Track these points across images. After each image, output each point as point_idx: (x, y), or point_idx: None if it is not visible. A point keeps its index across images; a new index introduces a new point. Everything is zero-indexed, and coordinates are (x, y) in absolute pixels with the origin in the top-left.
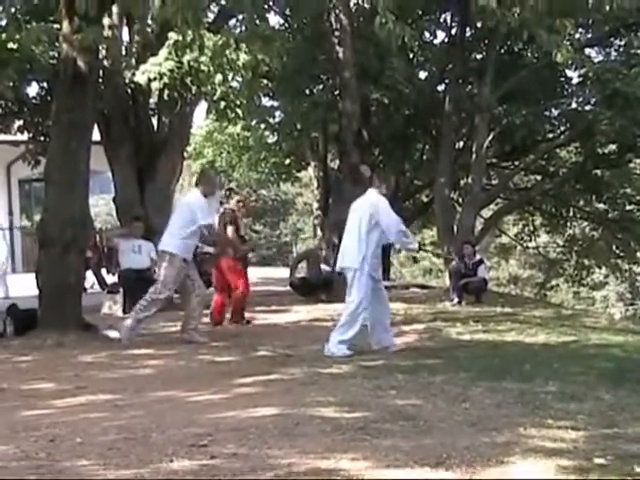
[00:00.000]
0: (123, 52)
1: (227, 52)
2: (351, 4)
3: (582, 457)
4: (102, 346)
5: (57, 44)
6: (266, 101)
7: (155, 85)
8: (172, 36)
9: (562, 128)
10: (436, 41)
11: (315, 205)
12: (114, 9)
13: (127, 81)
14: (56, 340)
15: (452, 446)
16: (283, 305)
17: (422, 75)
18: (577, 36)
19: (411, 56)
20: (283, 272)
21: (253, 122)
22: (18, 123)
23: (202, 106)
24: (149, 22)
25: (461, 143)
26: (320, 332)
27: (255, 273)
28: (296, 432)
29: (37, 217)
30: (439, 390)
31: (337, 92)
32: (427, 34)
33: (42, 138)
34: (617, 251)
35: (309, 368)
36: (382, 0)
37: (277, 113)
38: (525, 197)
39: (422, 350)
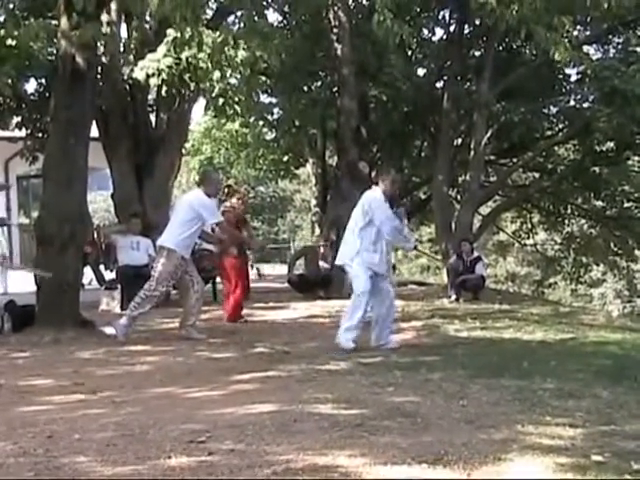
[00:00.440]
0: (121, 49)
1: (225, 49)
2: (349, 1)
3: (580, 454)
4: (100, 342)
5: (55, 40)
6: (264, 98)
7: (153, 81)
8: (170, 33)
9: (560, 125)
10: (434, 38)
11: (313, 202)
12: (112, 6)
13: (125, 77)
14: (53, 336)
15: (450, 443)
16: (281, 302)
17: (420, 72)
18: (575, 33)
19: (409, 53)
20: (281, 269)
21: (251, 119)
22: (16, 119)
23: (200, 103)
24: (147, 19)
25: (459, 140)
26: (318, 329)
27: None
28: (294, 429)
29: (35, 213)
30: (437, 387)
31: (335, 89)
32: (425, 31)
33: (40, 134)
34: (615, 248)
35: (307, 365)
36: None
37: (275, 110)
38: (523, 194)
39: (420, 347)
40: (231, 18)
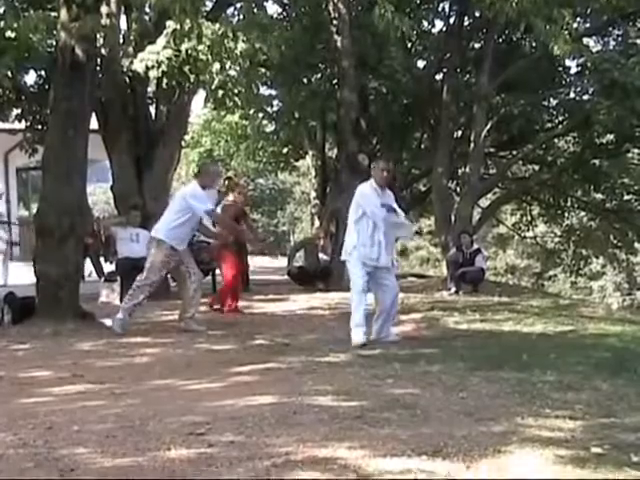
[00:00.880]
0: (121, 40)
1: (225, 41)
2: None
3: (579, 446)
4: (99, 334)
5: (55, 32)
6: (264, 90)
7: (153, 74)
8: (170, 24)
9: (560, 118)
10: (434, 30)
11: (313, 194)
12: None
13: (125, 69)
14: (53, 328)
15: (449, 435)
16: (281, 294)
17: (420, 64)
18: (575, 26)
19: (409, 45)
20: (281, 261)
21: (251, 111)
22: (16, 111)
23: (200, 95)
24: (147, 10)
25: (459, 132)
26: (318, 321)
27: (253, 262)
28: (293, 421)
29: (35, 205)
30: (436, 379)
31: (335, 81)
32: (425, 23)
33: (40, 126)
34: (615, 241)
35: (307, 357)
36: None
37: (275, 102)
38: (523, 187)
39: (420, 339)
40: (230, 10)
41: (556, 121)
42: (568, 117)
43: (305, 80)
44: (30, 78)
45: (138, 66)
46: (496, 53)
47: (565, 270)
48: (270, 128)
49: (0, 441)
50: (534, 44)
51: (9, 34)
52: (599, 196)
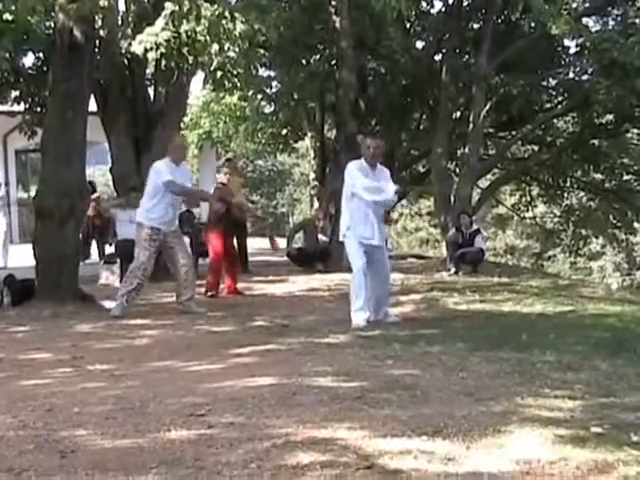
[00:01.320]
0: (119, 22)
1: (224, 22)
2: None
3: (579, 426)
4: (99, 316)
5: (53, 14)
6: (263, 71)
7: (152, 55)
8: (168, 6)
9: (559, 98)
10: (433, 11)
11: (312, 175)
12: None
13: (123, 51)
14: (53, 311)
15: (449, 415)
16: (280, 275)
17: (419, 45)
18: (574, 5)
19: (408, 26)
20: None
21: (250, 92)
22: (14, 94)
23: (199, 76)
24: None
25: (458, 113)
26: (317, 302)
27: (252, 243)
28: (293, 401)
29: (34, 188)
30: (436, 360)
31: (334, 62)
32: (424, 4)
33: (38, 109)
34: (614, 221)
35: (306, 338)
36: None
37: (274, 83)
38: (522, 167)
39: (419, 320)
40: None
41: (555, 101)
42: (567, 97)
43: (304, 61)
44: (28, 60)
45: (137, 48)
46: (495, 33)
47: (564, 250)
48: (269, 109)
49: (0, 423)
50: (533, 24)
51: (7, 16)
52: (598, 176)
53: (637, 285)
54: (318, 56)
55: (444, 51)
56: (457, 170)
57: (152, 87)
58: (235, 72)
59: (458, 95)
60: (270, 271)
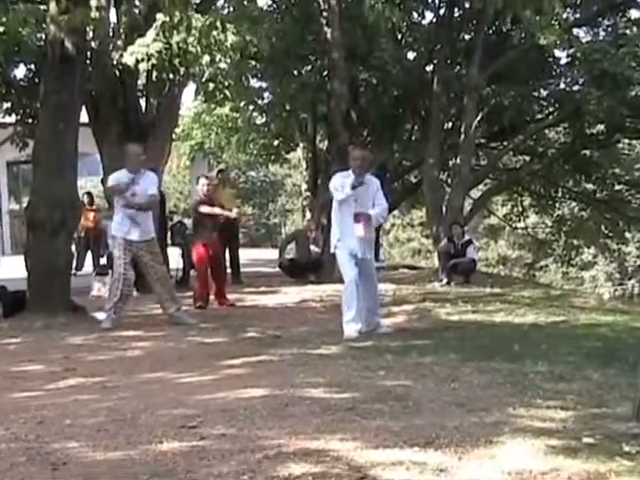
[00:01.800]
0: (111, 33)
1: (215, 33)
2: None
3: (571, 437)
4: (91, 328)
5: (44, 25)
6: (254, 82)
7: (143, 66)
8: (160, 17)
9: (551, 109)
10: (424, 22)
11: (304, 186)
12: None
13: (115, 62)
14: (45, 322)
15: (441, 426)
16: (272, 286)
17: (410, 56)
18: (565, 16)
19: (399, 37)
20: (272, 253)
21: (242, 103)
22: (6, 105)
23: (190, 87)
24: (137, 3)
25: (450, 124)
26: (309, 313)
27: (244, 254)
28: (285, 413)
29: (25, 199)
30: (428, 371)
31: (326, 73)
32: (415, 15)
33: (30, 120)
34: (606, 231)
35: (298, 349)
36: None
37: (266, 94)
38: (514, 178)
39: (411, 331)
40: (220, 2)
41: (546, 112)
42: (558, 108)
43: (295, 72)
44: (20, 72)
45: (128, 59)
46: (486, 44)
47: (556, 260)
48: (261, 120)
49: None
50: (523, 35)
51: None
52: (590, 186)
53: (629, 295)
54: (310, 67)
55: (435, 62)
56: (449, 180)
57: (144, 98)
58: (227, 83)
59: (450, 106)
60: (262, 282)
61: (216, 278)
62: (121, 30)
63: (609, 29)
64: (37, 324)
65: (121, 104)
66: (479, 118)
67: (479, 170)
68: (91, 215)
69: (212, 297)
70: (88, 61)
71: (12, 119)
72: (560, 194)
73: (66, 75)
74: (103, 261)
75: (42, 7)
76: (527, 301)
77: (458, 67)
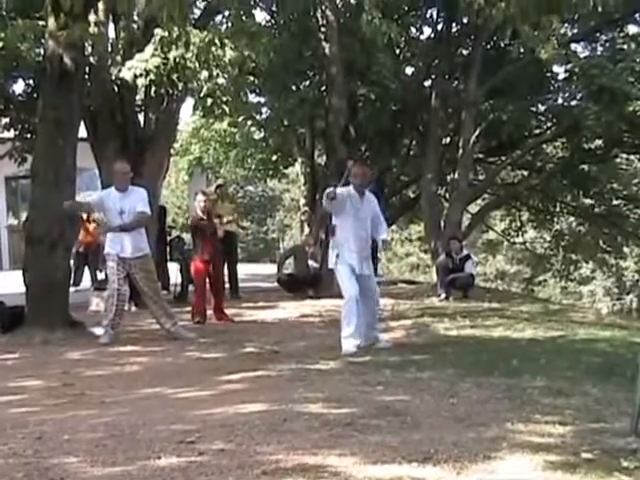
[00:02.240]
0: (109, 49)
1: (213, 48)
2: (337, 0)
3: (569, 452)
4: (89, 343)
5: (43, 41)
6: (253, 97)
7: (141, 81)
8: (158, 32)
9: (549, 123)
10: (422, 37)
11: (302, 201)
12: (100, 5)
13: (113, 78)
14: (43, 337)
15: (440, 441)
16: (270, 301)
17: (409, 71)
18: (563, 31)
19: (398, 52)
20: (270, 268)
21: (240, 118)
22: (4, 120)
23: (189, 102)
24: (135, 18)
25: (448, 138)
26: (307, 328)
27: (243, 269)
28: (284, 428)
29: (24, 214)
30: (427, 386)
31: (324, 88)
32: (413, 30)
33: (28, 135)
34: (604, 246)
35: (296, 364)
36: None
37: (264, 109)
38: (512, 192)
39: (410, 346)
40: (219, 18)
41: (545, 127)
42: (556, 122)
43: (294, 87)
44: (18, 87)
45: (126, 74)
46: (484, 59)
47: (555, 275)
48: (259, 135)
49: None
50: (522, 50)
51: None
52: (588, 201)
53: (627, 310)
54: (308, 82)
55: (434, 77)
56: (447, 195)
57: (142, 113)
58: (225, 98)
59: (448, 120)
60: (260, 297)
61: (215, 293)
62: (119, 45)
63: (607, 44)
64: (35, 339)
65: (119, 119)
66: (477, 133)
67: (477, 185)
68: (90, 230)
69: (210, 312)
70: (87, 76)
71: (11, 134)
72: (558, 209)
73: (64, 90)
74: (101, 276)
75: (41, 22)
76: (525, 316)
77: (456, 82)
